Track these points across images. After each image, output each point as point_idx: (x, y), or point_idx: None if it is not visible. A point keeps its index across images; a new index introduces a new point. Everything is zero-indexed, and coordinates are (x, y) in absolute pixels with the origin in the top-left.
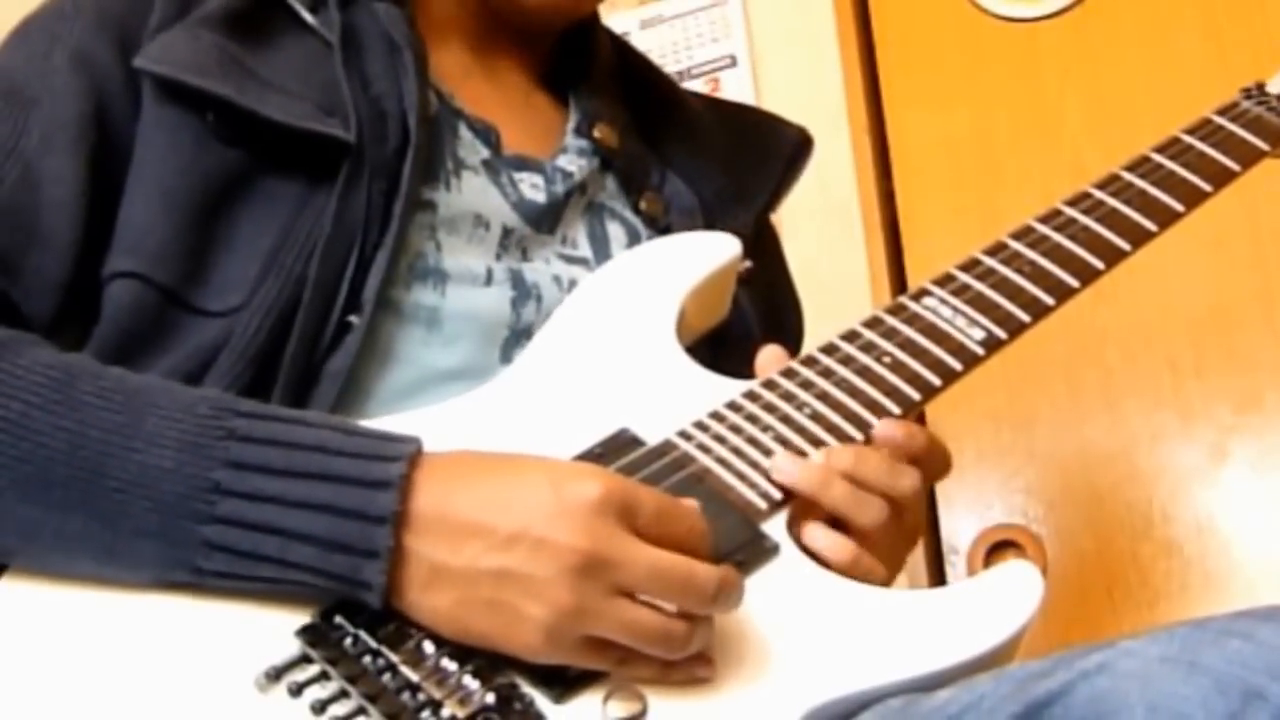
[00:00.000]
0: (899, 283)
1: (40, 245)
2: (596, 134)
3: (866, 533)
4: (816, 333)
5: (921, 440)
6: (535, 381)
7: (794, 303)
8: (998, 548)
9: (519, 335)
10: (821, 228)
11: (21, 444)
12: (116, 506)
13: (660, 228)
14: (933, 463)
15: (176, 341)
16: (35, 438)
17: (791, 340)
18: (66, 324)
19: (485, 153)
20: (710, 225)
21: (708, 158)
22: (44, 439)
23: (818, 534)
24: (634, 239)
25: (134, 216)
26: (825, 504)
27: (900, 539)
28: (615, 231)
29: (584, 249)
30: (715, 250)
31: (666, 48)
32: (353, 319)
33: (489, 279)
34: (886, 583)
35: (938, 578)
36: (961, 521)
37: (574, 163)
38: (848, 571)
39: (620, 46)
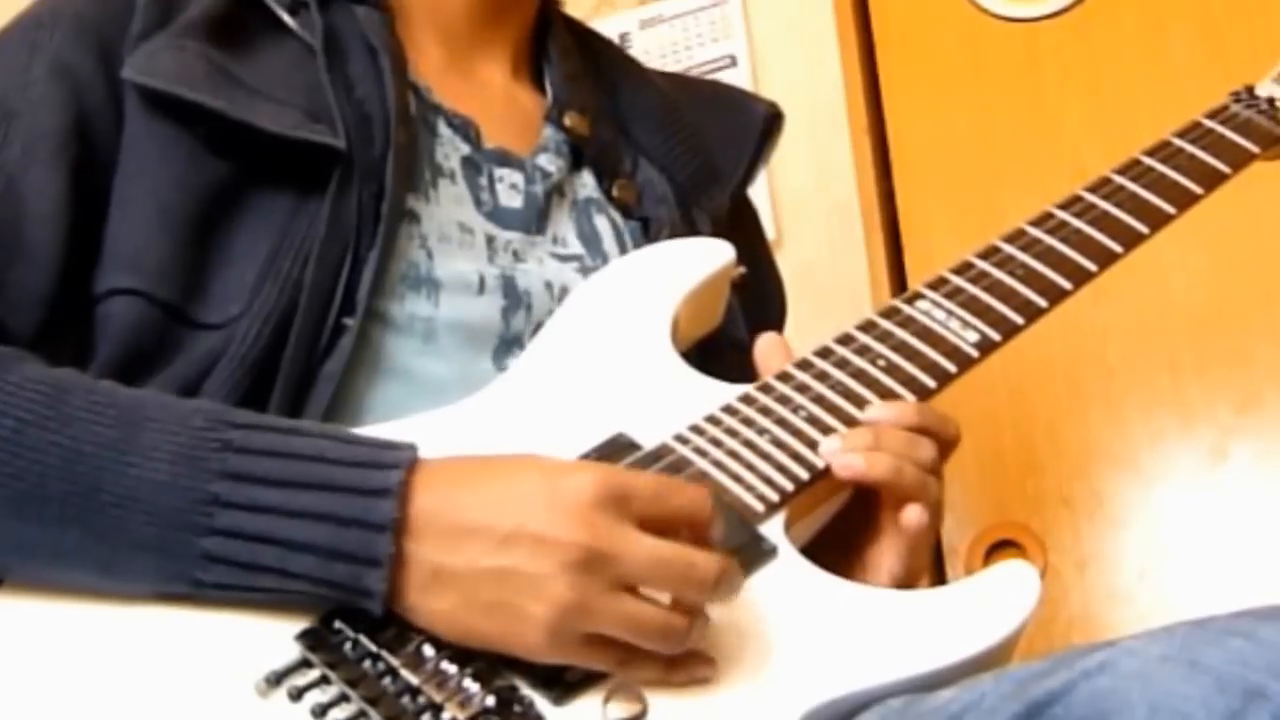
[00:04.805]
0: (899, 283)
1: (23, 259)
2: (567, 122)
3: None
4: (817, 332)
5: (914, 417)
6: (531, 387)
7: (774, 276)
8: (998, 547)
9: (509, 343)
10: (821, 228)
11: (15, 461)
12: (113, 521)
13: (636, 216)
14: (942, 432)
15: (177, 356)
16: (29, 454)
17: (776, 315)
18: (50, 339)
19: (465, 149)
20: (686, 209)
21: (679, 139)
22: (38, 455)
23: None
24: (619, 232)
25: (129, 232)
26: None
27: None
28: (603, 225)
29: (575, 246)
30: (710, 257)
31: (666, 48)
32: (347, 321)
33: (481, 287)
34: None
35: (938, 577)
36: (961, 521)
37: (553, 162)
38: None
39: (581, 32)
